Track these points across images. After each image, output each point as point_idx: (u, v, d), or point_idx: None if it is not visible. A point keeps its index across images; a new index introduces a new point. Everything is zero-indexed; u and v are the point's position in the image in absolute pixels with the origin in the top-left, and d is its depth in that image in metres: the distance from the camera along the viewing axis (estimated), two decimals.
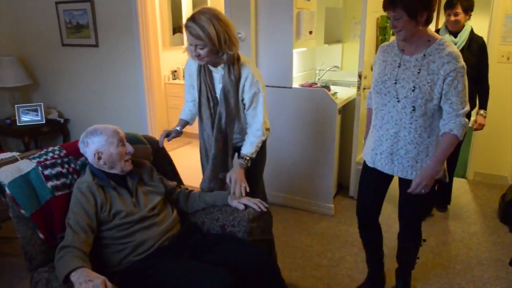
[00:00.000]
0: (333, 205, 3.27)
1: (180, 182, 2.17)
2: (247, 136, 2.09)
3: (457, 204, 3.46)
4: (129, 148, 1.80)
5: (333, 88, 3.58)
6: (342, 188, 3.68)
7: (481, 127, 2.99)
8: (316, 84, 3.33)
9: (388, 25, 3.51)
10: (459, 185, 3.85)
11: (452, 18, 2.84)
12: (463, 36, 2.88)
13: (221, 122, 2.05)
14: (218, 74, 2.04)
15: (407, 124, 1.81)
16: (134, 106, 3.84)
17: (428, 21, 1.73)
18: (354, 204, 3.42)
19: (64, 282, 1.43)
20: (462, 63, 1.69)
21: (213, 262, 1.60)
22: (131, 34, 3.60)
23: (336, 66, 4.07)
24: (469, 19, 2.90)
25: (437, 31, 2.96)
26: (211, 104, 2.07)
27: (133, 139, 2.01)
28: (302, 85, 3.29)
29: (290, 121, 3.23)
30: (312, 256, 2.70)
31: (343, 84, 3.99)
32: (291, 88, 3.17)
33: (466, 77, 1.72)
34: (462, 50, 2.74)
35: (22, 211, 1.62)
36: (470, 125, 2.60)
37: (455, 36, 2.90)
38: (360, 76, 3.23)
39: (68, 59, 4.10)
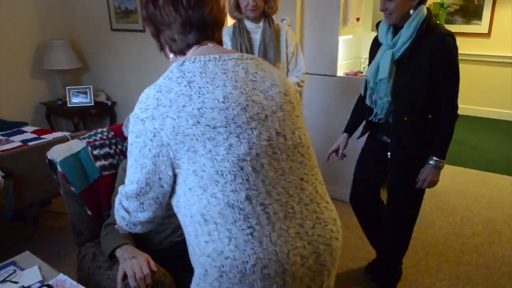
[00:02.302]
0: None
1: None
2: (289, 76, 2.36)
3: (504, 203, 3.29)
4: None
5: None
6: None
7: (431, 185, 1.89)
8: (361, 73, 3.24)
9: (440, 12, 3.35)
10: (507, 183, 3.66)
11: (383, 6, 1.74)
12: (407, 33, 1.70)
13: None
14: (257, 33, 2.30)
15: None
16: None
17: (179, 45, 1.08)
18: None
19: (110, 257, 1.50)
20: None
21: None
22: None
23: None
24: (420, 2, 1.71)
25: (378, 24, 1.96)
26: None
27: None
28: (346, 74, 3.22)
29: (333, 109, 3.17)
30: (349, 248, 2.67)
31: None
32: (335, 76, 3.11)
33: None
34: (402, 60, 1.75)
35: (72, 188, 1.70)
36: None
37: (395, 34, 1.78)
38: None
39: (116, 44, 4.22)
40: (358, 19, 3.15)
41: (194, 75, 1.00)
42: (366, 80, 1.95)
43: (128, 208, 1.05)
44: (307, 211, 1.02)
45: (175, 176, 0.99)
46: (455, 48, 1.71)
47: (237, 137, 0.95)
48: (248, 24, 2.32)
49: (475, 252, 2.65)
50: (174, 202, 1.04)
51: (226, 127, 0.95)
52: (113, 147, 1.85)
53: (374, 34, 3.76)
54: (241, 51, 2.27)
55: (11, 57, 4.02)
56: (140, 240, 1.63)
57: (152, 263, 1.42)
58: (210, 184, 0.94)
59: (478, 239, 2.79)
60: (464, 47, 5.55)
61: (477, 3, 5.41)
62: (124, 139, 1.89)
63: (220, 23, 1.13)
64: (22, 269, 1.42)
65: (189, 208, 0.97)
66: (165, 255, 1.64)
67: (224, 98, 0.97)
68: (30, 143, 2.71)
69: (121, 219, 1.09)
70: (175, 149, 0.95)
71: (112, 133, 1.89)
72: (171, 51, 1.12)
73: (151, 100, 0.99)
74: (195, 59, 1.02)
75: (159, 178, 0.98)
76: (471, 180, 3.74)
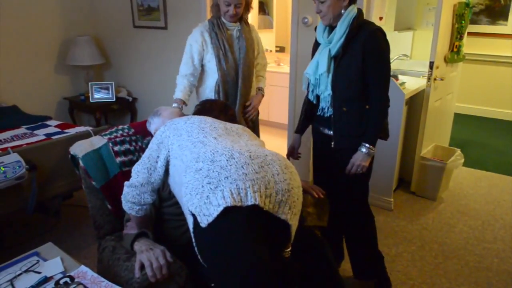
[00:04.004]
0: (392, 199, 3.17)
1: None
2: (261, 74, 2.64)
3: None
4: None
5: (401, 78, 3.43)
6: (403, 182, 3.54)
7: (358, 168, 1.92)
8: None
9: (466, 12, 3.28)
10: None
11: (317, 8, 1.86)
12: (341, 30, 1.83)
13: (245, 68, 2.41)
14: (234, 30, 2.43)
15: None
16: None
17: None
18: (415, 200, 3.32)
19: (132, 249, 1.53)
20: None
21: None
22: (198, 17, 3.67)
23: (405, 55, 3.89)
24: (349, 2, 1.83)
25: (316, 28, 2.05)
26: (230, 56, 2.38)
27: None
28: None
29: None
30: None
31: (412, 74, 3.81)
32: None
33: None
34: (339, 55, 1.87)
35: (93, 183, 1.73)
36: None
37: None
38: (431, 66, 3.06)
39: (138, 41, 4.27)
40: (381, 18, 3.11)
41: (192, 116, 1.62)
42: (308, 78, 2.04)
43: (132, 176, 1.51)
44: (252, 145, 1.39)
45: (168, 164, 1.46)
46: (385, 42, 1.86)
47: (204, 124, 1.50)
48: (226, 22, 2.40)
49: (496, 257, 2.59)
50: (171, 181, 1.46)
51: (199, 122, 1.51)
52: (133, 144, 1.88)
53: (397, 33, 3.73)
54: (221, 45, 2.37)
55: (37, 53, 4.12)
56: (159, 237, 1.66)
57: (168, 254, 1.46)
58: (184, 142, 1.41)
59: (500, 245, 2.73)
60: (489, 48, 5.42)
61: (503, 3, 5.27)
62: (144, 136, 1.91)
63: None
64: (45, 260, 1.45)
65: (175, 168, 1.40)
66: (183, 252, 1.65)
67: (202, 117, 1.58)
68: (54, 137, 2.77)
69: (126, 184, 1.52)
70: (172, 139, 1.46)
71: (133, 130, 1.92)
72: None
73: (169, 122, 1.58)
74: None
75: (157, 156, 1.47)
76: (494, 184, 3.66)
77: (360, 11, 1.88)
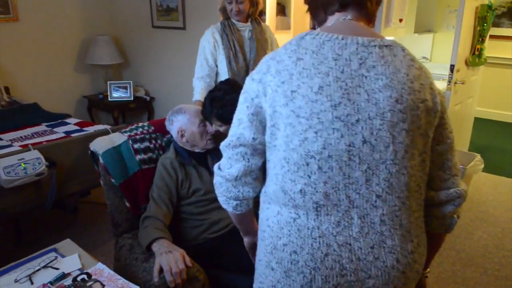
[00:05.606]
0: None
1: None
2: None
3: None
4: (210, 128, 1.85)
5: None
6: None
7: None
8: None
9: (488, 14, 3.21)
10: None
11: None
12: None
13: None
14: (245, 31, 2.41)
15: None
16: None
17: None
18: None
19: (147, 250, 1.53)
20: None
21: None
22: (217, 17, 3.67)
23: (424, 58, 3.84)
24: None
25: None
26: (241, 57, 2.37)
27: None
28: None
29: None
30: None
31: (432, 77, 3.75)
32: None
33: None
34: None
35: (112, 180, 1.74)
36: None
37: None
38: (452, 70, 3.01)
39: (157, 41, 4.30)
40: (401, 20, 3.07)
41: (306, 53, 0.94)
42: None
43: (222, 162, 1.07)
44: (371, 229, 0.93)
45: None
46: None
47: (315, 133, 0.90)
48: (236, 22, 2.40)
49: (497, 264, 2.53)
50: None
51: (308, 119, 0.91)
52: (153, 141, 1.88)
53: (417, 35, 3.67)
54: (232, 46, 2.36)
55: (57, 52, 4.19)
56: (175, 235, 1.66)
57: (187, 258, 1.44)
58: (277, 165, 0.97)
59: (500, 251, 2.66)
60: (511, 51, 5.31)
61: None
62: (164, 134, 1.92)
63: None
64: (63, 256, 1.47)
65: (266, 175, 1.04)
66: (199, 252, 1.66)
67: (319, 89, 0.91)
68: (73, 135, 2.80)
69: (215, 171, 1.08)
70: (267, 118, 0.97)
71: (153, 127, 1.92)
72: (317, 22, 1.09)
73: (264, 65, 1.00)
74: (317, 34, 0.96)
75: (253, 138, 1.00)
76: None
77: None
